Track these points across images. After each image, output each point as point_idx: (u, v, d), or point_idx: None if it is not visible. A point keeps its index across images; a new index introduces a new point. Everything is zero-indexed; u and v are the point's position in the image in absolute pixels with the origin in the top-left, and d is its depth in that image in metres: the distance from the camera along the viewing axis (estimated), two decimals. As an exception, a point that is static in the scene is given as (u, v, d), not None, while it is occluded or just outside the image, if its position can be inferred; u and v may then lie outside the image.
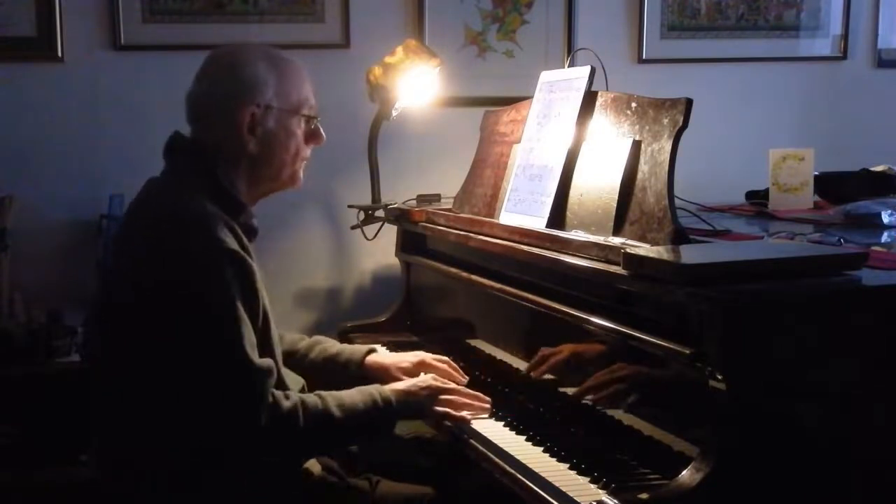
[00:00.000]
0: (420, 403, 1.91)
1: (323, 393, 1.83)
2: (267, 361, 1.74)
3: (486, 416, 1.93)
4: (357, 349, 2.21)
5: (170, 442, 1.72)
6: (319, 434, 1.79)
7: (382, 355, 2.22)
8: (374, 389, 1.88)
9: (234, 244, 1.74)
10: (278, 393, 1.75)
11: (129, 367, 1.74)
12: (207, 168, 1.84)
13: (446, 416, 1.91)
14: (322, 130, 1.97)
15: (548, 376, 1.96)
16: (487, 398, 1.96)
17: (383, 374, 2.09)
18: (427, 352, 2.20)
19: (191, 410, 1.69)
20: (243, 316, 1.71)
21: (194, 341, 1.68)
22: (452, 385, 1.99)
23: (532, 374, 1.99)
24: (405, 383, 1.96)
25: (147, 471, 1.74)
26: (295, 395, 1.79)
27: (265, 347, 1.79)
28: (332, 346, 2.21)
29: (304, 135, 1.94)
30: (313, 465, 1.90)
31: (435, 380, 1.98)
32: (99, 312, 1.85)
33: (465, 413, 1.91)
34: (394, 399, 1.87)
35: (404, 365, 2.12)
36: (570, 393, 1.87)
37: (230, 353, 1.69)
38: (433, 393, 1.93)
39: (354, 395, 1.84)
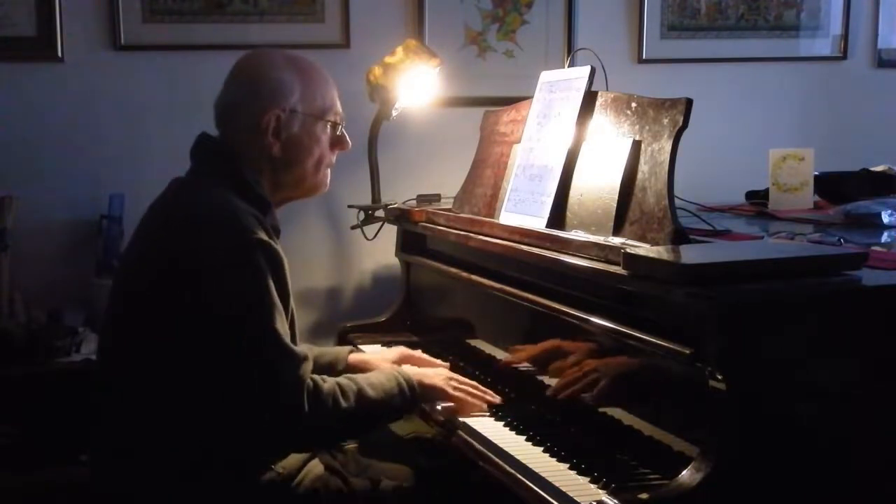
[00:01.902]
0: (437, 388, 1.94)
1: (350, 375, 1.85)
2: (302, 348, 1.77)
3: (488, 414, 1.93)
4: (339, 349, 2.23)
5: (180, 440, 1.71)
6: (359, 414, 1.79)
7: (365, 353, 2.26)
8: (394, 371, 1.91)
9: (265, 235, 1.76)
10: (316, 377, 1.77)
11: (150, 364, 1.72)
12: (233, 169, 1.85)
13: (462, 402, 1.93)
14: (347, 136, 1.98)
15: (546, 375, 1.96)
16: (497, 396, 1.99)
17: (368, 371, 2.10)
18: (427, 352, 2.21)
19: (225, 403, 1.68)
20: (278, 303, 1.73)
21: (228, 330, 1.68)
22: (464, 378, 2.01)
23: (523, 368, 2.02)
24: (419, 370, 2.00)
25: (149, 471, 1.73)
26: (330, 379, 1.80)
27: (291, 339, 1.79)
28: (312, 348, 2.21)
29: (330, 140, 1.95)
30: (315, 465, 1.90)
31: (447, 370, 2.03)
32: (115, 310, 1.83)
33: (475, 404, 1.94)
34: (415, 381, 1.90)
35: (389, 357, 2.15)
36: (571, 393, 1.87)
37: (269, 340, 1.69)
38: (447, 380, 1.96)
39: (379, 377, 1.87)
